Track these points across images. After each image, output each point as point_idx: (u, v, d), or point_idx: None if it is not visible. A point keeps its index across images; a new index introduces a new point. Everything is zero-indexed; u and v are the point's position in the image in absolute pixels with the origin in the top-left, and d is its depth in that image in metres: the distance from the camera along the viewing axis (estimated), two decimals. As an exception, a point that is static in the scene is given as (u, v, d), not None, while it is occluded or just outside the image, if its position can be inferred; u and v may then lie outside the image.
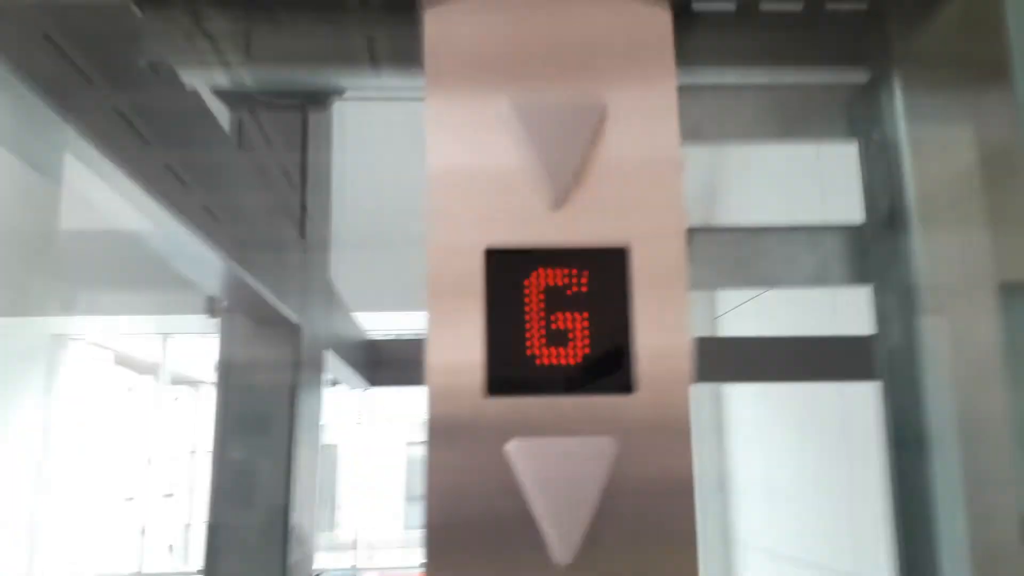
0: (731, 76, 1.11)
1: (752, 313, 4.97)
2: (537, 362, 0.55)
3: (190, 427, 7.70)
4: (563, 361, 0.56)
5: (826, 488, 3.91)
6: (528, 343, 0.56)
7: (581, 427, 0.54)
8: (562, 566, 0.51)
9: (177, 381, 7.28)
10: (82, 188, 1.34)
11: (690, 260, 1.15)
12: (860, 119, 1.17)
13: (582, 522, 0.52)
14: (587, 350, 0.56)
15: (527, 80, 0.59)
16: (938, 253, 1.04)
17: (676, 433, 0.55)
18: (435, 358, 0.54)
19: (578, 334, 0.56)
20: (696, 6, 1.02)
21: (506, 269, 0.56)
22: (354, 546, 6.49)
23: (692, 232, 1.16)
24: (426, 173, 0.56)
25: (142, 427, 7.01)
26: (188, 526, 7.18)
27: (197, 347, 6.75)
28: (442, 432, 0.53)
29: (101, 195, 1.35)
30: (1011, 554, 0.89)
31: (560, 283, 0.57)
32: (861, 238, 1.20)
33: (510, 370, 0.55)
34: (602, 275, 0.57)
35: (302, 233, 2.48)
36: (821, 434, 4.07)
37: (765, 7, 1.06)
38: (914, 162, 1.07)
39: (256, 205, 2.12)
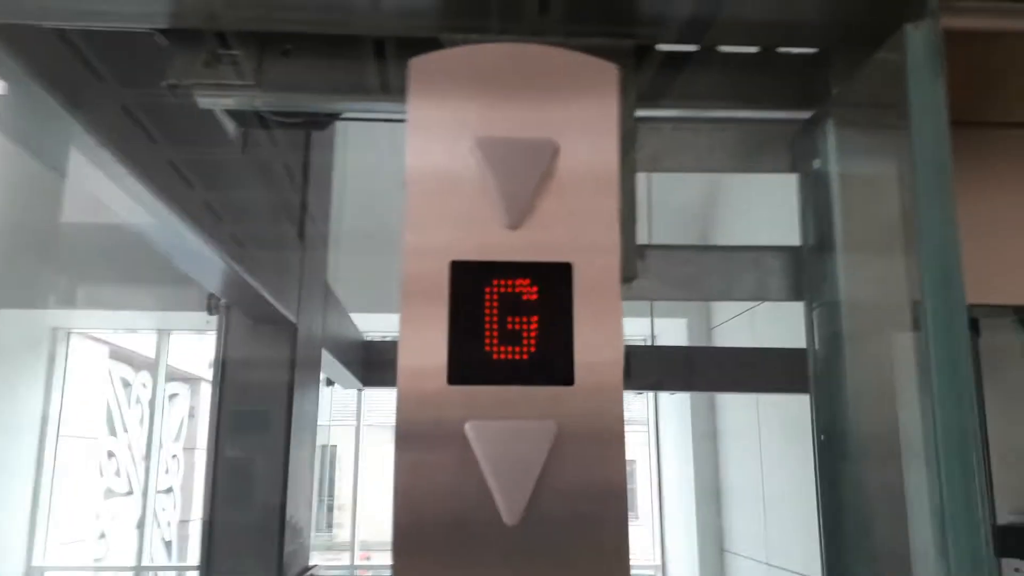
0: (690, 110, 1.22)
1: (747, 324, 5.07)
2: (493, 357, 0.66)
3: (187, 423, 7.75)
4: (515, 357, 0.66)
5: (814, 497, 3.98)
6: (486, 341, 0.66)
7: (529, 412, 0.65)
8: (509, 526, 0.62)
9: (174, 377, 7.33)
10: (86, 183, 1.42)
11: (642, 274, 1.26)
12: (800, 153, 1.28)
13: (527, 490, 0.63)
14: (534, 348, 0.67)
15: (492, 121, 0.70)
16: (860, 274, 1.14)
17: (610, 419, 0.66)
18: (406, 352, 0.65)
19: (528, 335, 0.67)
20: (660, 47, 1.12)
21: (469, 279, 0.67)
22: (352, 546, 6.56)
23: (644, 249, 1.26)
24: (405, 195, 0.67)
25: (139, 422, 7.08)
26: (185, 522, 7.24)
27: (195, 344, 6.83)
28: (411, 414, 0.63)
29: (104, 190, 1.44)
30: (929, 560, 0.97)
31: (514, 291, 0.67)
32: (798, 259, 1.31)
33: (469, 363, 0.66)
34: (550, 286, 0.68)
35: (301, 234, 2.56)
36: (810, 442, 4.14)
37: (724, 49, 1.18)
38: (842, 193, 1.18)
39: (257, 205, 2.20)
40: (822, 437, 1.22)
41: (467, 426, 0.64)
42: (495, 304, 0.67)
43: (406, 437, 0.63)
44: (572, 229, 0.69)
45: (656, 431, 6.68)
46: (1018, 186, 1.31)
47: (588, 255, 0.69)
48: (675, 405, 6.28)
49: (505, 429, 0.64)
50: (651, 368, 3.05)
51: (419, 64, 0.71)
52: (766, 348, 2.91)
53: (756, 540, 4.95)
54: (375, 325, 4.77)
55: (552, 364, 0.67)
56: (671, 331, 6.18)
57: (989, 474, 1.64)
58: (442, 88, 0.70)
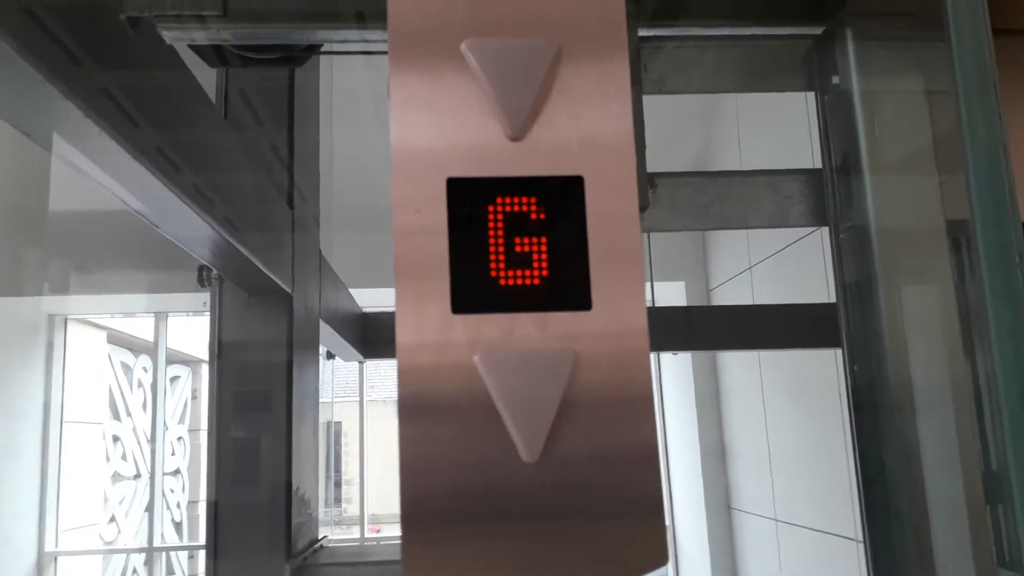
0: (695, 29, 1.15)
1: (747, 284, 5.03)
2: (500, 283, 0.60)
3: (191, 405, 7.76)
4: (525, 282, 0.61)
5: (822, 452, 3.98)
6: (492, 265, 0.60)
7: (543, 340, 0.59)
8: (529, 463, 0.57)
9: (174, 360, 7.31)
10: (73, 160, 1.36)
11: (654, 205, 1.20)
12: (817, 70, 1.22)
13: (547, 423, 0.57)
14: (546, 272, 0.61)
15: (484, 21, 0.63)
16: (891, 196, 1.08)
17: (633, 346, 0.60)
18: (403, 283, 0.59)
19: (539, 257, 0.61)
20: (660, -40, 1.05)
21: (468, 197, 0.61)
22: (361, 520, 6.59)
23: (656, 177, 1.20)
24: (390, 110, 0.60)
25: (142, 406, 7.07)
26: (194, 502, 7.27)
27: (194, 327, 6.79)
28: (413, 347, 0.58)
29: (90, 169, 1.38)
30: (975, 512, 0.93)
31: (520, 210, 0.61)
32: (818, 182, 1.25)
33: (475, 290, 0.60)
34: (560, 202, 0.62)
35: (290, 204, 2.50)
36: (816, 398, 4.13)
37: None
38: (865, 110, 1.11)
39: (245, 178, 2.14)
40: (856, 382, 1.17)
41: (476, 358, 0.58)
42: (500, 225, 0.61)
43: (410, 374, 0.57)
44: (582, 140, 0.62)
45: (660, 393, 6.69)
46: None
47: (600, 166, 0.62)
48: (678, 367, 6.27)
49: (518, 359, 0.59)
50: (656, 329, 3.01)
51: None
52: (788, 305, 2.86)
53: (763, 497, 4.96)
54: (373, 300, 4.73)
55: (567, 288, 0.61)
56: (670, 294, 6.16)
57: None
58: (426, -2, 0.63)
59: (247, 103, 2.26)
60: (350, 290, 3.29)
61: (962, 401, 0.89)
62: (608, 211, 0.62)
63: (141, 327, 6.72)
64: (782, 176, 1.26)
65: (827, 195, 1.21)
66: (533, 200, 0.61)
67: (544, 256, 0.61)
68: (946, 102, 0.87)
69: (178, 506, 7.17)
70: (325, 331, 2.83)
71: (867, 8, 1.07)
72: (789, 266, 4.15)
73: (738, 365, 5.43)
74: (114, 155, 1.29)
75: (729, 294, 5.46)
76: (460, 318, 0.58)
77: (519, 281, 0.60)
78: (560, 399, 0.57)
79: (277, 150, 2.43)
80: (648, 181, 1.00)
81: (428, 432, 0.56)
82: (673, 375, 6.47)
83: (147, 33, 1.02)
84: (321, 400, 2.78)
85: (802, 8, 1.14)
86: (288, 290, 2.36)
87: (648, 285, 5.44)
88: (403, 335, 0.57)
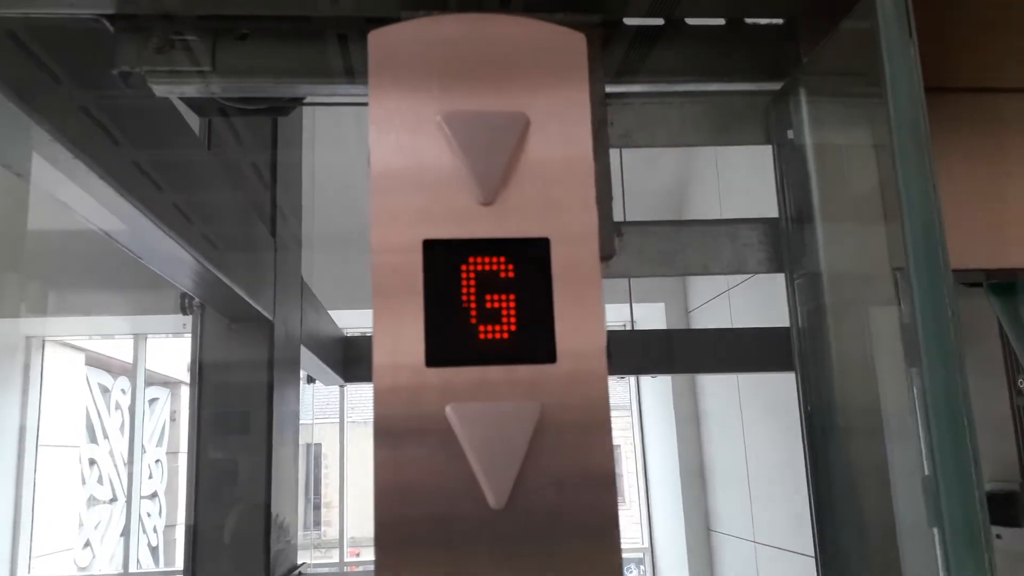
0: (660, 86, 1.21)
1: (725, 306, 5.10)
2: (471, 337, 0.64)
3: (169, 428, 7.67)
4: (495, 336, 0.65)
5: (799, 473, 4.02)
6: (463, 321, 0.64)
7: (511, 393, 0.63)
8: (496, 510, 0.61)
9: (153, 382, 7.24)
10: (50, 187, 1.38)
11: (620, 251, 1.24)
12: (774, 125, 1.28)
13: (512, 473, 0.61)
14: (515, 327, 0.65)
15: (458, 94, 0.68)
16: (841, 245, 1.14)
17: (595, 397, 0.64)
18: (381, 337, 0.63)
19: (508, 313, 0.65)
20: (627, 22, 1.11)
21: (443, 257, 0.65)
22: (340, 543, 6.54)
23: (621, 226, 1.25)
24: (370, 175, 0.65)
25: (120, 429, 6.99)
26: (171, 526, 7.17)
27: (173, 348, 6.74)
28: (389, 398, 0.61)
29: (69, 194, 1.40)
30: (917, 534, 0.97)
31: (491, 269, 0.66)
32: (776, 231, 1.31)
33: (448, 344, 0.64)
34: (528, 261, 0.66)
35: (272, 231, 2.53)
36: (793, 419, 4.18)
37: (691, 23, 1.16)
38: (818, 163, 1.17)
39: (227, 204, 2.17)
40: (809, 409, 1.22)
41: (448, 408, 0.62)
42: (472, 283, 0.65)
43: (385, 422, 0.61)
44: (547, 203, 0.67)
45: (640, 415, 6.72)
46: (988, 151, 1.31)
47: (565, 228, 0.67)
48: (658, 389, 6.32)
49: (488, 411, 0.63)
50: (632, 352, 3.06)
51: (378, 37, 0.68)
52: (745, 328, 2.93)
53: (742, 519, 5.00)
54: (353, 322, 4.74)
55: (534, 342, 0.65)
56: (651, 316, 6.21)
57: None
58: (404, 61, 0.68)
59: (230, 128, 2.29)
60: (330, 312, 3.30)
61: (903, 424, 0.95)
62: (572, 268, 0.66)
63: (120, 349, 6.66)
64: (741, 224, 1.33)
65: (783, 243, 1.28)
66: (503, 259, 0.66)
67: (512, 312, 0.65)
68: (889, 155, 0.93)
69: (155, 530, 7.07)
70: (306, 355, 2.84)
71: (819, 67, 1.14)
72: (763, 288, 4.23)
73: (717, 386, 5.48)
74: (93, 177, 1.30)
75: (707, 316, 5.53)
76: (434, 371, 0.63)
77: (489, 335, 0.64)
78: (526, 448, 0.61)
79: (260, 174, 2.46)
80: (615, 230, 1.05)
81: (403, 477, 0.60)
82: (652, 397, 6.52)
83: (137, 86, 1.05)
84: (301, 422, 2.79)
85: (760, 66, 1.21)
86: (269, 317, 2.38)
87: (628, 307, 5.51)
88: (380, 382, 0.61)
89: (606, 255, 0.95)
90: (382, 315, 0.63)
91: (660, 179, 5.40)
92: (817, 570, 1.20)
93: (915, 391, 0.90)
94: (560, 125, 0.68)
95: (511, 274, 0.66)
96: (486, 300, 0.65)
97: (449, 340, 0.64)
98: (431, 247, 0.65)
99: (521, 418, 0.62)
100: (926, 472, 0.91)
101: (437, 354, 0.64)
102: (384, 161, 0.66)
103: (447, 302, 0.64)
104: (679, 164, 5.35)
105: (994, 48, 1.32)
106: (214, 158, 2.09)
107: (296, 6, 0.98)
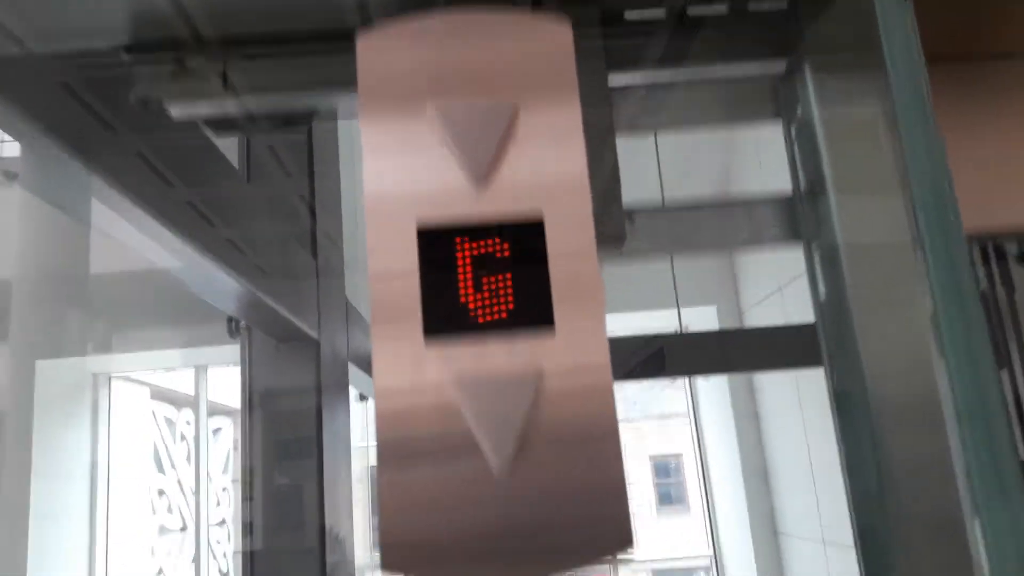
0: (663, 77, 1.22)
1: (778, 304, 5.00)
2: (470, 315, 0.67)
3: (233, 456, 7.84)
4: (492, 317, 0.67)
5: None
6: (460, 300, 0.67)
7: (511, 364, 0.65)
8: (499, 478, 0.63)
9: (216, 412, 7.43)
10: (110, 230, 1.45)
11: (632, 236, 1.25)
12: (783, 103, 1.28)
13: (514, 441, 0.63)
14: (512, 306, 0.67)
15: (447, 93, 0.71)
16: (857, 216, 1.12)
17: (595, 367, 0.65)
18: (379, 320, 0.65)
19: (504, 293, 0.67)
20: (628, 15, 1.12)
21: (438, 243, 0.68)
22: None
23: (632, 212, 1.26)
24: (363, 170, 0.68)
25: (186, 458, 7.19)
26: (238, 553, 7.30)
27: (234, 379, 6.92)
28: (389, 376, 0.64)
29: (127, 235, 1.47)
30: (955, 530, 0.94)
31: (486, 251, 0.68)
32: (791, 205, 1.30)
33: (446, 321, 0.66)
34: (523, 242, 0.68)
35: (314, 253, 2.60)
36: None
37: (692, 11, 1.17)
38: (827, 137, 1.17)
39: (268, 231, 2.24)
40: (837, 391, 1.20)
41: (448, 382, 0.65)
42: (468, 266, 0.67)
43: (386, 400, 0.63)
44: (540, 187, 0.70)
45: (697, 421, 6.62)
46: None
47: (558, 208, 0.69)
48: (714, 393, 6.21)
49: (488, 381, 0.65)
50: (681, 355, 3.03)
51: (366, 38, 0.72)
52: (769, 327, 2.86)
53: (809, 518, 4.86)
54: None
55: (532, 317, 0.67)
56: (703, 318, 6.12)
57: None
58: (392, 60, 0.71)
59: (271, 154, 2.37)
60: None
61: (935, 411, 0.92)
62: (567, 247, 0.68)
63: (182, 381, 6.86)
64: (754, 202, 1.31)
65: (799, 216, 1.26)
66: (498, 240, 0.68)
67: (510, 292, 0.67)
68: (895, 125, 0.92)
69: (224, 556, 7.23)
70: (355, 373, 2.90)
71: (822, 42, 1.13)
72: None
73: (775, 385, 5.37)
74: (148, 219, 1.37)
75: (761, 315, 5.43)
76: (433, 348, 0.65)
77: (487, 317, 0.66)
78: (526, 414, 0.64)
79: (301, 199, 2.54)
80: (625, 215, 1.06)
81: (407, 465, 0.61)
82: (710, 399, 6.41)
83: (156, 111, 1.11)
84: (360, 444, 2.83)
85: (762, 47, 1.21)
86: (315, 336, 2.44)
87: (676, 313, 5.45)
88: (380, 369, 0.63)
89: (618, 240, 0.97)
90: (380, 305, 0.66)
91: (702, 163, 5.34)
92: (859, 563, 1.17)
93: (942, 372, 0.87)
94: (549, 112, 0.71)
95: (506, 255, 0.68)
96: (483, 282, 0.67)
97: (447, 321, 0.67)
98: (426, 234, 0.68)
99: (521, 384, 0.65)
100: (961, 459, 0.88)
101: (435, 330, 0.66)
102: (377, 158, 0.69)
103: (444, 284, 0.67)
104: (719, 151, 5.27)
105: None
106: (254, 190, 2.17)
107: (296, 20, 1.02)
